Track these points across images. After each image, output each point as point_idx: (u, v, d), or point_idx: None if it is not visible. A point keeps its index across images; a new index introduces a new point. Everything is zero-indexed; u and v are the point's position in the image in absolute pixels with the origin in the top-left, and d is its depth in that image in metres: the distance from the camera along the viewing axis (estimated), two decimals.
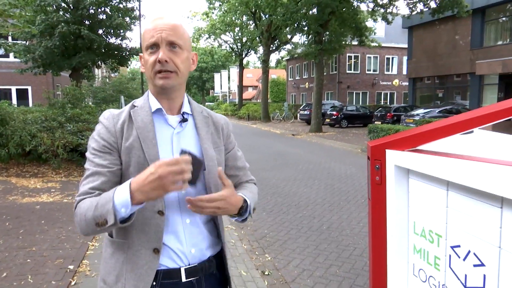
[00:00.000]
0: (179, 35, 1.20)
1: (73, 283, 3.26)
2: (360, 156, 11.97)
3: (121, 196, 1.04)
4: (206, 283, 1.30)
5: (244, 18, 31.52)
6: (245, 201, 1.28)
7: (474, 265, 0.96)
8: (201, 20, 34.53)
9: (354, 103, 32.07)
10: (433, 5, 18.77)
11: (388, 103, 33.83)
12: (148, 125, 1.22)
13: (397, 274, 1.25)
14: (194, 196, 1.19)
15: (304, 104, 28.80)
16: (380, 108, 23.59)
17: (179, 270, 1.25)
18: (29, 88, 21.15)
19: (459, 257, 1.02)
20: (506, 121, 1.05)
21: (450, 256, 1.05)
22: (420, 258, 1.18)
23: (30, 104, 19.86)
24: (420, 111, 18.89)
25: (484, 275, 0.93)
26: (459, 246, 1.01)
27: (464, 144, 1.34)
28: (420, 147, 1.19)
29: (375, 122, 20.06)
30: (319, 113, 20.57)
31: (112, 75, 30.24)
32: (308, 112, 24.75)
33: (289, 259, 4.13)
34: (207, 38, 35.26)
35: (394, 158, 1.21)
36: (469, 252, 0.98)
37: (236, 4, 25.52)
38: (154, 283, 1.22)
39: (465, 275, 0.99)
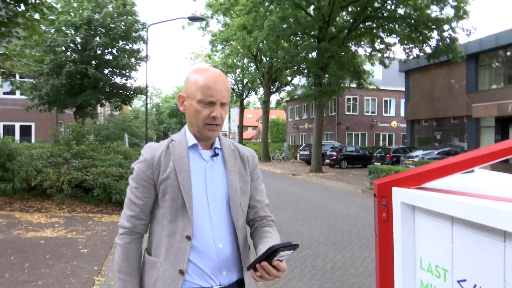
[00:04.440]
0: (228, 94, 1.40)
1: None
2: (361, 197, 11.93)
3: None
4: None
5: (246, 60, 32.43)
6: None
7: None
8: (204, 62, 35.54)
9: (353, 144, 32.29)
10: (428, 50, 19.40)
11: (386, 144, 34.05)
12: (184, 158, 1.38)
13: None
14: (225, 226, 1.38)
15: (304, 145, 28.99)
16: (379, 149, 23.77)
17: None
18: (33, 124, 21.39)
19: None
20: (504, 162, 1.13)
21: None
22: None
23: (33, 140, 20.01)
24: (419, 152, 19.04)
25: None
26: (465, 280, 1.06)
27: (466, 182, 1.41)
28: (424, 185, 1.26)
29: (375, 163, 20.14)
30: (319, 153, 20.66)
31: (115, 113, 30.71)
32: (308, 153, 24.83)
33: None
34: None
35: (400, 195, 1.28)
36: (475, 286, 1.02)
37: (238, 47, 26.37)
38: None
39: None
